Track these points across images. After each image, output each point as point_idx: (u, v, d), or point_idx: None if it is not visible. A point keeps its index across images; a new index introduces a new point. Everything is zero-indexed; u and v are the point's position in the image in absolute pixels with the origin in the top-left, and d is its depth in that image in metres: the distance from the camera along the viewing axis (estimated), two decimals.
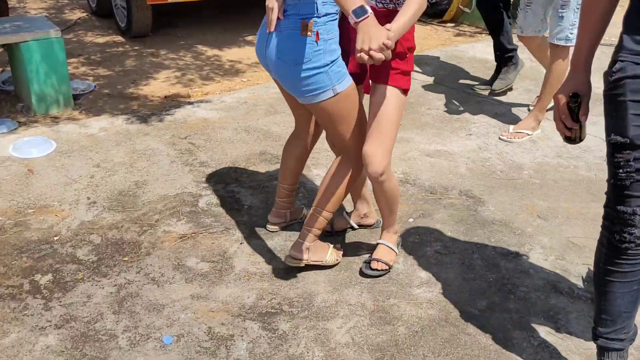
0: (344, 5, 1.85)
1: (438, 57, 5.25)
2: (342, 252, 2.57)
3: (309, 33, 2.05)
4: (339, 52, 2.15)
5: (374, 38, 1.78)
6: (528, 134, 3.74)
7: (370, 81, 2.31)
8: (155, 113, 4.04)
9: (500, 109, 4.19)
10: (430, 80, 4.70)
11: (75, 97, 4.19)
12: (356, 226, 2.76)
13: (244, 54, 5.35)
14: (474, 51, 5.48)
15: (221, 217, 2.88)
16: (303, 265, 2.42)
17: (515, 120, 4.00)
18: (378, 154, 2.22)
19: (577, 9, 3.38)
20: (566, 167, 3.41)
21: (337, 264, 2.52)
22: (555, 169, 3.39)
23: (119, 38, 5.78)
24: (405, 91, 2.26)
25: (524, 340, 2.16)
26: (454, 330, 2.21)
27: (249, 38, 5.79)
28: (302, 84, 2.13)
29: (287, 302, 2.34)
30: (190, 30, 6.06)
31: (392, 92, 2.23)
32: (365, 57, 1.79)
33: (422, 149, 3.60)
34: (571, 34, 3.45)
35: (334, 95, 2.15)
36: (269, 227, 2.77)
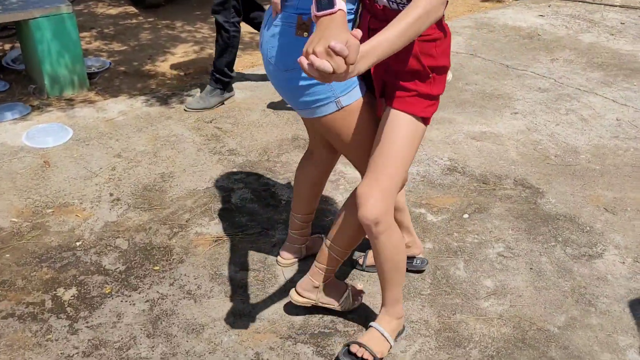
0: None
1: (469, 26, 4.80)
2: (363, 294, 2.06)
3: (305, 34, 1.54)
4: None
5: (324, 37, 1.14)
6: None
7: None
8: (176, 93, 3.64)
9: (543, 84, 3.77)
10: (463, 51, 4.27)
11: (90, 75, 3.79)
12: (362, 266, 2.21)
13: None
14: (505, 18, 5.02)
15: (257, 215, 2.53)
16: (310, 305, 1.95)
17: (562, 96, 3.59)
18: (372, 195, 1.64)
19: None
20: (625, 149, 3.02)
21: (354, 308, 2.01)
22: (613, 152, 3.00)
23: (132, 9, 5.32)
24: (424, 120, 1.67)
25: None
26: (534, 354, 1.87)
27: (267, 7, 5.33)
28: (298, 93, 1.62)
29: (340, 319, 2.00)
30: None
31: (402, 119, 1.63)
32: (305, 62, 1.13)
33: (467, 130, 3.21)
34: None
35: (338, 110, 1.63)
36: (281, 260, 2.22)
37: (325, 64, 1.10)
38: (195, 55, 4.31)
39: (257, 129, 3.22)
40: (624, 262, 2.26)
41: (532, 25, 4.85)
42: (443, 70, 1.65)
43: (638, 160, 2.92)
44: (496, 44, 4.43)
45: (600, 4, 5.41)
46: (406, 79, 1.61)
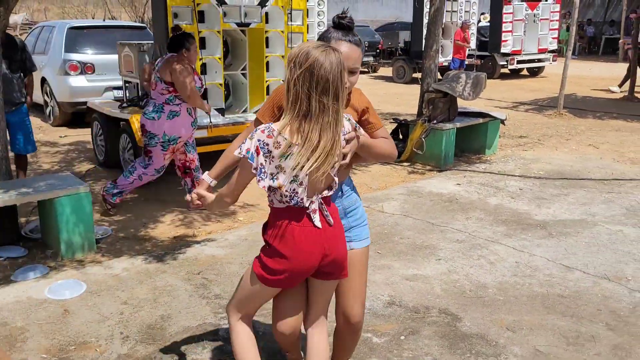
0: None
1: (402, 193, 5.71)
2: None
3: None
4: None
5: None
6: None
7: None
8: (168, 252, 4.25)
9: (460, 236, 4.57)
10: (398, 213, 5.10)
11: (96, 241, 4.38)
12: None
13: None
14: (430, 187, 5.98)
15: None
16: None
17: (475, 245, 4.37)
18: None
19: None
20: (522, 284, 3.74)
21: None
22: (513, 286, 3.71)
23: None
24: (255, 275, 2.17)
25: None
26: None
27: None
28: None
29: None
30: None
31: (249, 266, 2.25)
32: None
33: (402, 274, 3.89)
34: None
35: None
36: None
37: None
38: (180, 222, 4.99)
39: (237, 278, 3.81)
40: None
41: (452, 192, 5.81)
42: (272, 254, 2.09)
43: (532, 292, 3.62)
44: (424, 207, 5.30)
45: (504, 174, 6.49)
46: None
